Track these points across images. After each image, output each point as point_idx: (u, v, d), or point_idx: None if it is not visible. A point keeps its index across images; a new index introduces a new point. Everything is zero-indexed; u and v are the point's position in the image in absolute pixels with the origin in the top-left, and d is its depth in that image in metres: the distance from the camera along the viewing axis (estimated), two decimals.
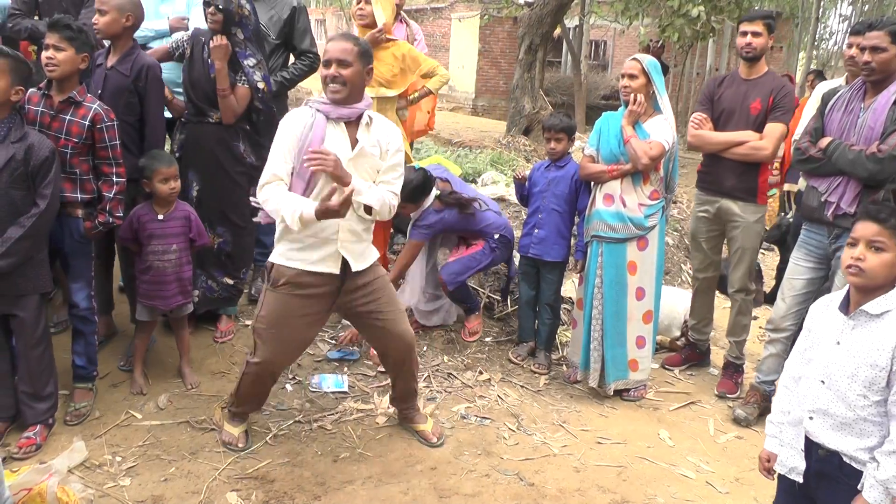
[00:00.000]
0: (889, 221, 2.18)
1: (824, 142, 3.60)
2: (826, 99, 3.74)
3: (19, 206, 3.11)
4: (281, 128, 3.11)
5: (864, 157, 3.41)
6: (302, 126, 3.06)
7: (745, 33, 4.17)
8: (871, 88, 3.53)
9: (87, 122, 3.36)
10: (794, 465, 2.39)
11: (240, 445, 3.44)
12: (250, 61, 3.96)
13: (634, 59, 4.04)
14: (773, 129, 4.10)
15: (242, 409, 3.50)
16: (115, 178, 3.50)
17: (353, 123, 3.13)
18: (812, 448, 2.33)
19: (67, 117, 3.35)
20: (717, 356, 5.02)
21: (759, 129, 4.14)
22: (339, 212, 2.87)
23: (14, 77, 3.05)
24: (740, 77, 4.27)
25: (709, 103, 4.35)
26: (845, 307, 2.29)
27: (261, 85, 3.99)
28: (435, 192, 4.39)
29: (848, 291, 2.30)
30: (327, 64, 3.04)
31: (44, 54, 3.30)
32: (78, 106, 3.37)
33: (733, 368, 4.50)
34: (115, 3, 3.65)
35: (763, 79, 4.19)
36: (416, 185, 4.27)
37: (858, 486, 2.19)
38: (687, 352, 4.84)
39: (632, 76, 4.00)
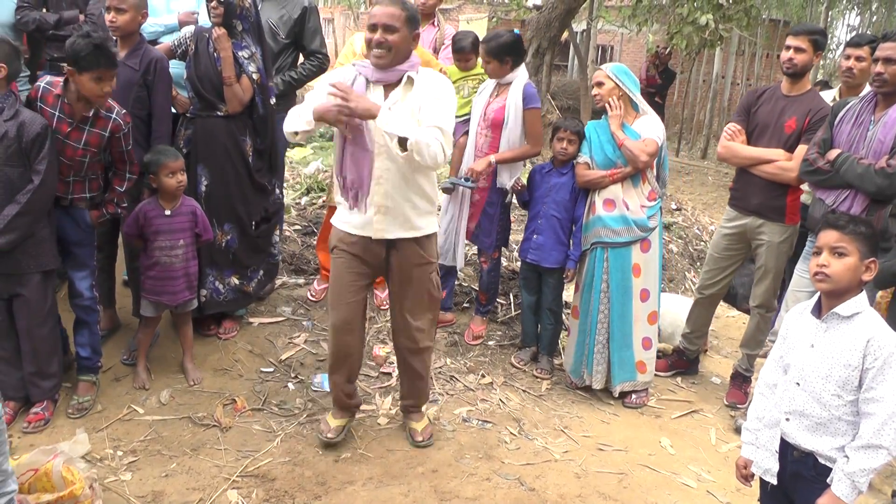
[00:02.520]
0: (847, 227, 2.29)
1: (832, 154, 3.58)
2: (836, 111, 3.71)
3: (16, 183, 3.15)
4: (324, 82, 3.15)
5: (873, 171, 3.39)
6: (344, 81, 3.07)
7: (788, 47, 4.00)
8: (882, 101, 3.51)
9: (106, 134, 3.41)
10: (768, 466, 2.48)
11: (328, 436, 3.49)
12: (244, 53, 3.98)
13: (599, 68, 4.18)
14: (803, 150, 3.86)
15: (334, 377, 3.52)
16: (128, 175, 3.61)
17: (392, 86, 3.13)
18: (787, 450, 2.42)
19: (87, 128, 3.37)
20: (721, 366, 5.03)
21: (791, 148, 3.98)
22: (331, 113, 2.90)
23: None
24: (780, 92, 4.11)
25: (745, 115, 4.20)
26: (817, 311, 2.39)
27: (255, 76, 3.99)
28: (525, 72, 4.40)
29: (820, 297, 2.40)
30: (373, 28, 3.01)
31: (99, 86, 3.23)
32: (97, 117, 3.39)
33: (742, 379, 4.47)
34: (133, 2, 3.70)
35: (803, 97, 4.01)
36: (505, 42, 4.23)
37: (827, 481, 2.28)
38: (674, 358, 4.80)
39: (599, 83, 4.10)
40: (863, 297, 2.31)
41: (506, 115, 4.29)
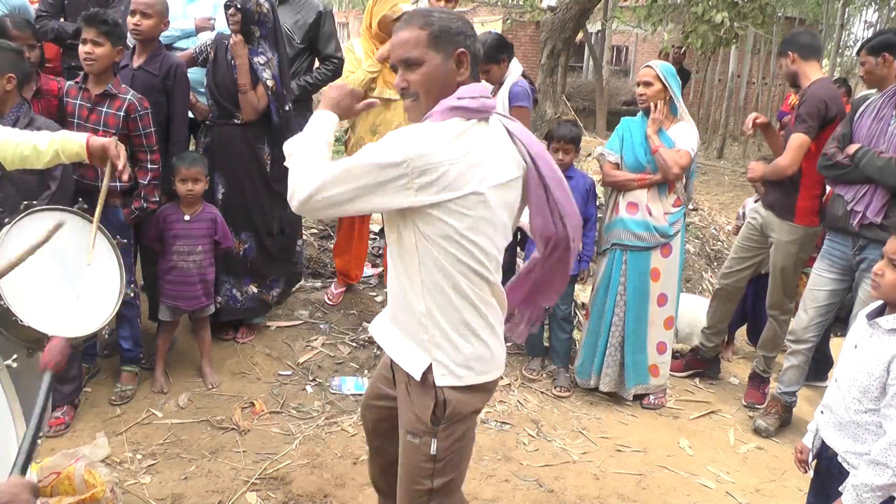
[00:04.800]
0: None
1: (852, 148, 3.55)
2: (856, 106, 3.69)
3: (34, 190, 3.18)
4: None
5: (894, 164, 3.37)
6: None
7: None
8: None
9: (122, 114, 3.48)
10: (811, 458, 2.51)
11: None
12: (260, 59, 3.98)
13: (648, 65, 4.02)
14: (791, 140, 3.91)
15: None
16: (149, 165, 3.62)
17: None
18: (824, 443, 2.44)
19: (104, 109, 3.48)
20: (739, 366, 4.99)
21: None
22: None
23: (2, 66, 3.11)
24: None
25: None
26: (872, 314, 2.36)
27: (270, 83, 3.98)
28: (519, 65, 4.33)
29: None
30: (393, 68, 2.11)
31: (81, 49, 3.41)
32: (113, 98, 3.49)
33: (759, 379, 4.43)
34: (158, 8, 3.76)
35: (807, 90, 3.97)
36: (493, 44, 4.20)
37: (840, 489, 2.28)
38: (689, 357, 4.74)
39: (647, 83, 3.97)
40: None
41: None
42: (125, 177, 2.58)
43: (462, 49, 2.00)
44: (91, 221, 2.55)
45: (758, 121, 4.20)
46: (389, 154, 1.88)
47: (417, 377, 2.08)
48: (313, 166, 1.95)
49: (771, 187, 4.15)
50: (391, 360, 2.23)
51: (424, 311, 2.05)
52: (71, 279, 2.43)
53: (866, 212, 3.50)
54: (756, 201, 4.46)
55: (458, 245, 1.96)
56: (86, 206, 2.64)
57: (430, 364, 2.07)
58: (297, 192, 1.93)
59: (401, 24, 2.07)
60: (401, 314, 2.13)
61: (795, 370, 4.00)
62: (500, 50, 4.23)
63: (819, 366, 4.49)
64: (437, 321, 2.04)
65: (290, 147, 2.04)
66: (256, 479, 3.26)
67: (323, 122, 2.11)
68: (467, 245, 1.97)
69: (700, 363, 4.72)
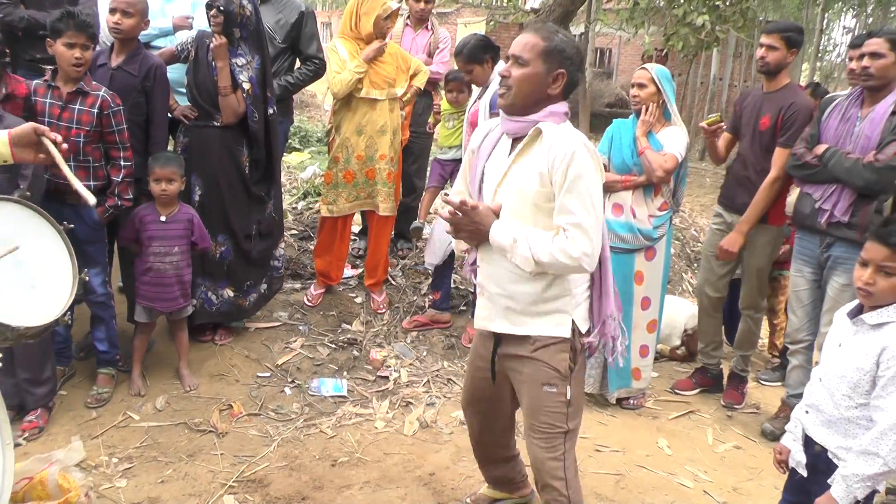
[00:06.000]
0: None
1: (820, 149, 3.61)
2: (823, 107, 3.75)
3: (5, 188, 3.13)
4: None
5: (861, 165, 3.42)
6: (485, 132, 2.64)
7: (761, 45, 4.01)
8: (869, 97, 3.54)
9: (95, 111, 3.47)
10: (799, 459, 2.50)
11: (467, 501, 3.22)
12: (239, 61, 3.95)
13: (644, 67, 4.01)
14: (778, 155, 3.92)
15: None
16: (122, 162, 3.61)
17: (520, 140, 2.47)
18: (809, 442, 2.45)
19: (76, 107, 3.46)
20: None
21: (767, 147, 3.99)
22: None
23: None
24: (761, 90, 4.13)
25: (733, 116, 4.26)
26: (853, 313, 2.38)
27: (246, 86, 3.95)
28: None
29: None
30: (506, 58, 2.47)
31: (70, 53, 3.37)
32: (86, 95, 3.48)
33: (738, 379, 4.45)
34: (140, 7, 3.74)
35: (777, 94, 4.00)
36: (477, 44, 4.22)
37: (829, 481, 2.29)
38: (698, 376, 4.63)
39: (641, 85, 3.96)
40: (894, 308, 2.27)
41: (479, 118, 4.20)
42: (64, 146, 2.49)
43: (563, 70, 2.37)
44: (32, 209, 2.51)
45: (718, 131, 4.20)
46: (594, 171, 2.34)
47: (566, 334, 2.47)
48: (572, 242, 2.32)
49: (740, 191, 4.15)
50: (496, 336, 2.61)
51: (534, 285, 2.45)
52: (22, 268, 2.40)
53: (834, 210, 3.56)
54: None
55: None
56: (28, 193, 2.60)
57: (572, 320, 2.49)
58: (584, 264, 2.34)
59: (529, 28, 2.46)
60: (536, 287, 2.46)
61: (799, 370, 3.96)
62: (484, 50, 4.22)
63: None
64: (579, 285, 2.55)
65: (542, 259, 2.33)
66: (234, 481, 3.24)
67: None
68: None
69: (710, 381, 4.60)
